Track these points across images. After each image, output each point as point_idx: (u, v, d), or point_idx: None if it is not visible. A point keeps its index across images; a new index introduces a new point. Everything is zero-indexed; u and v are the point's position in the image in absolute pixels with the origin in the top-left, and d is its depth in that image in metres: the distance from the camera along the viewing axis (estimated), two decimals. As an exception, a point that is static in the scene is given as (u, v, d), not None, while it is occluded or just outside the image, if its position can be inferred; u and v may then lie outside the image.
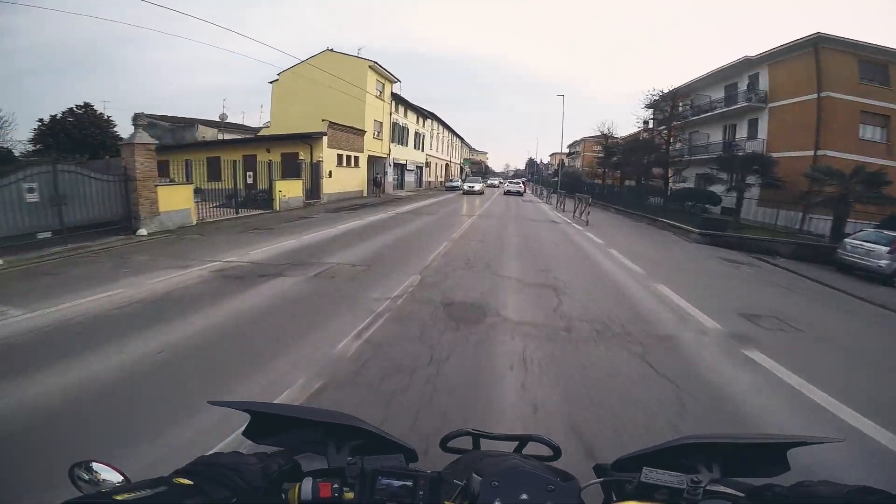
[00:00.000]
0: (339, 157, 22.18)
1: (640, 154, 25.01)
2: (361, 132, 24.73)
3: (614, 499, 0.75)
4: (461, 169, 62.70)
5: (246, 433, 0.76)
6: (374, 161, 27.22)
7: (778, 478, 0.70)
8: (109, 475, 0.62)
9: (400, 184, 32.56)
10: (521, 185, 38.58)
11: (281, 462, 0.68)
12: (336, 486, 0.63)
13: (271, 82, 27.27)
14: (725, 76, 23.52)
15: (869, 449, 2.72)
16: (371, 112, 26.21)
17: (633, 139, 28.53)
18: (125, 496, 0.46)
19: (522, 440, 0.99)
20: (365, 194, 25.49)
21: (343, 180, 22.35)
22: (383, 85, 28.06)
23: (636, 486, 0.67)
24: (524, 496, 0.60)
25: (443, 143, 46.69)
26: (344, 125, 22.37)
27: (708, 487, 0.65)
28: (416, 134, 35.61)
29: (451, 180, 41.72)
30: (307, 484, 0.63)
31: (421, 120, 36.76)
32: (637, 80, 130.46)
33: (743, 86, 22.21)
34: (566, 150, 68.22)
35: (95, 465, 0.62)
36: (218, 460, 0.61)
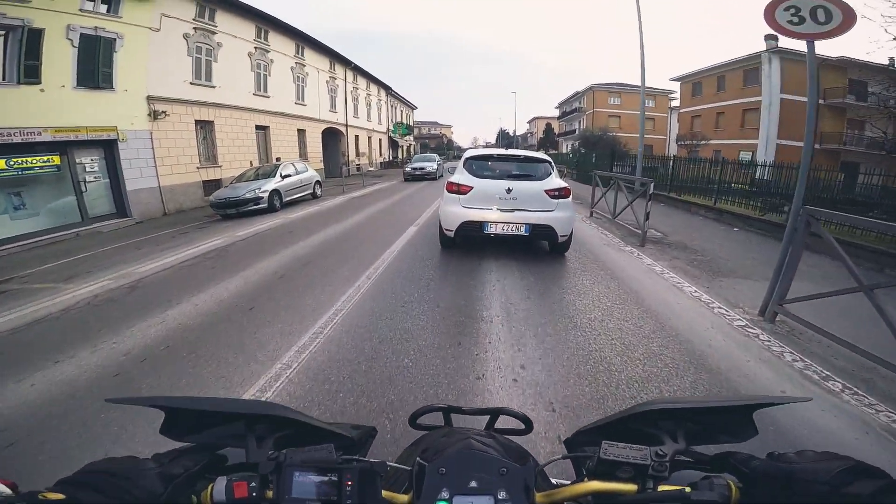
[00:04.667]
0: None
1: None
2: None
3: (583, 475, 0.65)
4: (390, 142, 38.17)
5: (163, 430, 0.67)
6: None
7: (744, 444, 0.65)
8: None
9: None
10: (552, 177, 5.46)
11: (188, 464, 0.58)
12: (254, 484, 0.55)
13: None
14: None
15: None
16: None
17: None
18: None
19: (493, 413, 0.94)
20: None
21: None
22: None
23: (596, 462, 0.59)
24: (473, 483, 0.55)
25: (314, 86, 22.28)
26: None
27: (675, 459, 0.59)
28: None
29: None
30: (220, 483, 0.56)
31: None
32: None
33: None
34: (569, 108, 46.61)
35: None
36: (107, 467, 0.53)
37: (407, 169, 20.99)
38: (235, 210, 10.50)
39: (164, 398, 0.66)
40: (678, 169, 12.29)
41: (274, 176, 11.54)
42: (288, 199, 11.98)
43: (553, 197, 5.19)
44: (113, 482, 0.49)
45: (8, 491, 0.51)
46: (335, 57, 24.53)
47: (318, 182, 13.94)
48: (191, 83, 13.57)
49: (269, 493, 0.55)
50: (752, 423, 0.67)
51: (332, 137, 25.20)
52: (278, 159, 18.01)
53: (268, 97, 17.71)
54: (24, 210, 9.63)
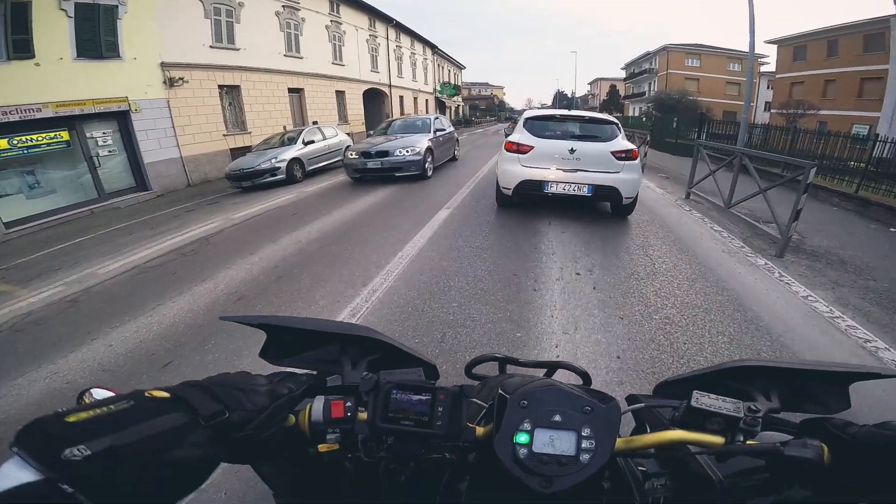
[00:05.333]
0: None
1: None
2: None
3: (647, 429, 0.68)
4: (437, 102, 35.79)
5: (262, 353, 0.71)
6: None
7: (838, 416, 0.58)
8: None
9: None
10: (618, 139, 5.17)
11: (291, 387, 0.57)
12: (349, 404, 0.56)
13: None
14: None
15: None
16: None
17: None
18: (80, 416, 0.38)
19: (551, 367, 0.92)
20: None
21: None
22: None
23: (684, 412, 0.57)
24: (557, 417, 0.53)
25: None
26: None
27: (765, 418, 0.56)
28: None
29: None
30: (318, 403, 0.56)
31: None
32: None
33: None
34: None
35: (98, 392, 0.53)
36: (226, 380, 0.51)
37: (351, 156, 8.98)
38: (251, 182, 9.37)
39: (269, 316, 0.69)
40: (797, 141, 9.61)
41: (295, 143, 10.19)
42: (313, 167, 10.70)
43: (619, 159, 5.01)
44: (228, 391, 0.49)
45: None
46: (375, 14, 22.40)
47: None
48: (211, 47, 12.30)
49: (363, 415, 0.55)
50: (847, 395, 0.63)
51: (374, 98, 23.52)
52: (315, 122, 16.69)
53: (300, 58, 16.22)
54: (40, 188, 8.99)
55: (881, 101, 20.04)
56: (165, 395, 0.44)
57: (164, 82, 10.95)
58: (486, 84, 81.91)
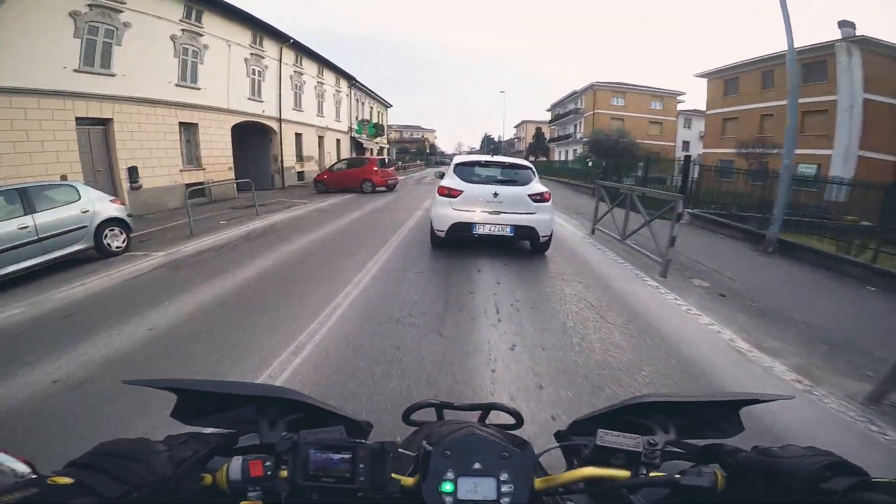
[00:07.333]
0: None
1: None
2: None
3: (575, 464, 0.71)
4: (354, 144, 31.47)
5: (174, 414, 0.69)
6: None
7: (734, 438, 0.67)
8: (16, 466, 0.54)
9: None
10: (533, 182, 5.88)
11: (198, 447, 0.58)
12: (269, 463, 0.57)
13: None
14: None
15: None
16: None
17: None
18: None
19: (485, 409, 0.98)
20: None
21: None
22: None
23: (592, 449, 0.62)
24: (477, 465, 0.57)
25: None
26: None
27: (665, 449, 0.62)
28: None
29: None
30: (236, 463, 0.57)
31: None
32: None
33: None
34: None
35: (1, 456, 0.54)
36: (118, 449, 0.52)
37: None
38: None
39: (177, 381, 0.66)
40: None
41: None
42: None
43: (535, 201, 5.71)
44: (123, 464, 0.48)
45: (26, 469, 0.52)
46: (262, 28, 18.00)
47: (117, 222, 7.01)
48: None
49: (284, 473, 0.56)
50: (739, 419, 0.69)
51: (257, 135, 18.75)
52: (131, 169, 11.59)
53: (111, 75, 11.16)
54: None
55: (827, 137, 18.60)
56: (68, 480, 0.44)
57: None
58: (418, 127, 79.90)
